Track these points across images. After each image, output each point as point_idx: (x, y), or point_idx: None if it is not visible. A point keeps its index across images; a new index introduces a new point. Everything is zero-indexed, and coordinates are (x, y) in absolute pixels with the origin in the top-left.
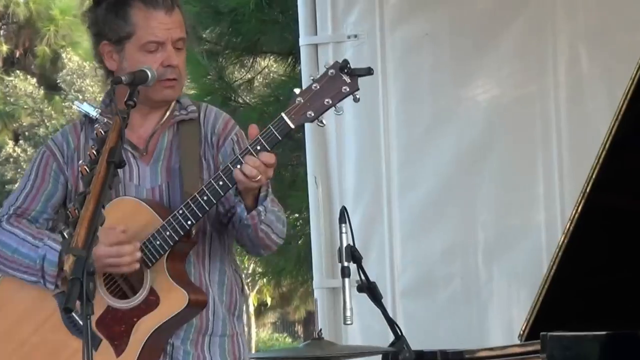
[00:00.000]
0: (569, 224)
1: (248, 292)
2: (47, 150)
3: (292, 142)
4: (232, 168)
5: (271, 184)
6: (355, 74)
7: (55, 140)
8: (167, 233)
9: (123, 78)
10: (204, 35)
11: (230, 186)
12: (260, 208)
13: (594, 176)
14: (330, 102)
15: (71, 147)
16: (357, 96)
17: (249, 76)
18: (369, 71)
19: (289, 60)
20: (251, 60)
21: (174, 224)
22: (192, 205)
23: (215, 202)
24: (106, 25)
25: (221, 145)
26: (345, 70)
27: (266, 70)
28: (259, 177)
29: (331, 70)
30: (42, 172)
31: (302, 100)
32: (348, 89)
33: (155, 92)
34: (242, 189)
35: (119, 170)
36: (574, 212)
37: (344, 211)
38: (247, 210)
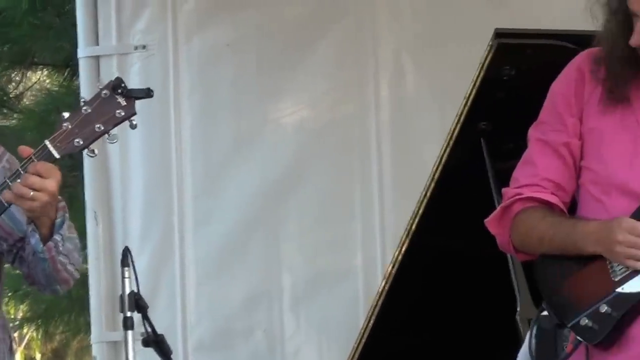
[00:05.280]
0: (390, 266)
1: (15, 347)
2: None
3: (69, 158)
4: None
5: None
6: (132, 95)
7: None
8: None
9: None
10: None
11: None
12: (57, 237)
13: (420, 212)
14: (102, 128)
15: None
16: (134, 122)
17: (17, 92)
18: (148, 93)
19: (66, 73)
20: (20, 74)
21: None
22: None
23: None
24: None
25: None
26: (120, 91)
27: (37, 86)
28: (31, 194)
29: (105, 91)
30: None
31: (69, 126)
32: (123, 113)
33: None
34: (29, 214)
35: None
36: (397, 253)
37: (127, 252)
38: (43, 240)
